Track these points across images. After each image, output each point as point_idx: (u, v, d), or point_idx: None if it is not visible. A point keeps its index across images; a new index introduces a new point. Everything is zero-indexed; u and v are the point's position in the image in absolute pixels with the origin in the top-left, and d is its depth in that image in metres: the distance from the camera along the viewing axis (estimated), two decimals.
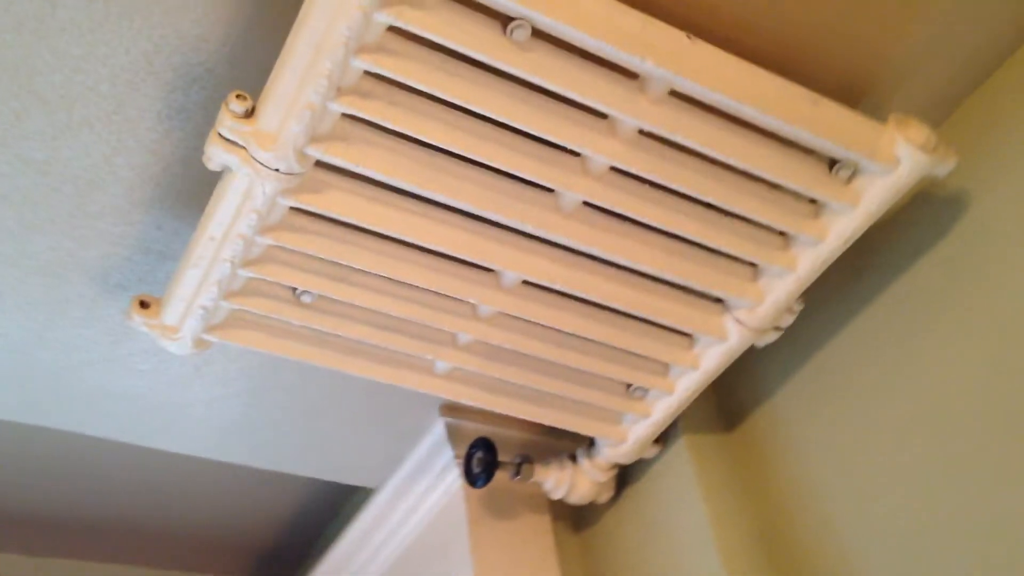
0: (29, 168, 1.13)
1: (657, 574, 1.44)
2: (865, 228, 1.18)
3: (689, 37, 1.01)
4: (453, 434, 1.58)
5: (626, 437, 1.43)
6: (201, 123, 1.13)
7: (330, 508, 2.07)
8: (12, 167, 1.12)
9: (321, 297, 1.19)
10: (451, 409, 1.57)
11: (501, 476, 1.46)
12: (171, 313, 1.16)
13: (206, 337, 1.18)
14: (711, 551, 1.32)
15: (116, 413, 1.43)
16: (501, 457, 1.45)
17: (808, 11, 1.13)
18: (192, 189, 1.19)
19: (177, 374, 1.40)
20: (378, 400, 1.53)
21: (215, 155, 1.00)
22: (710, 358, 1.32)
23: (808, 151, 1.14)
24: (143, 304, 1.17)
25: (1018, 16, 1.20)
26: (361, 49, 0.94)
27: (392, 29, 0.94)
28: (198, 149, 1.15)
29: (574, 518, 1.64)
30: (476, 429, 1.59)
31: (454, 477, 1.57)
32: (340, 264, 1.15)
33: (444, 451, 1.58)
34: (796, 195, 1.17)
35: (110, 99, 1.08)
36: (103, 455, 1.81)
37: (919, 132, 1.12)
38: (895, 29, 1.17)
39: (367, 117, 0.99)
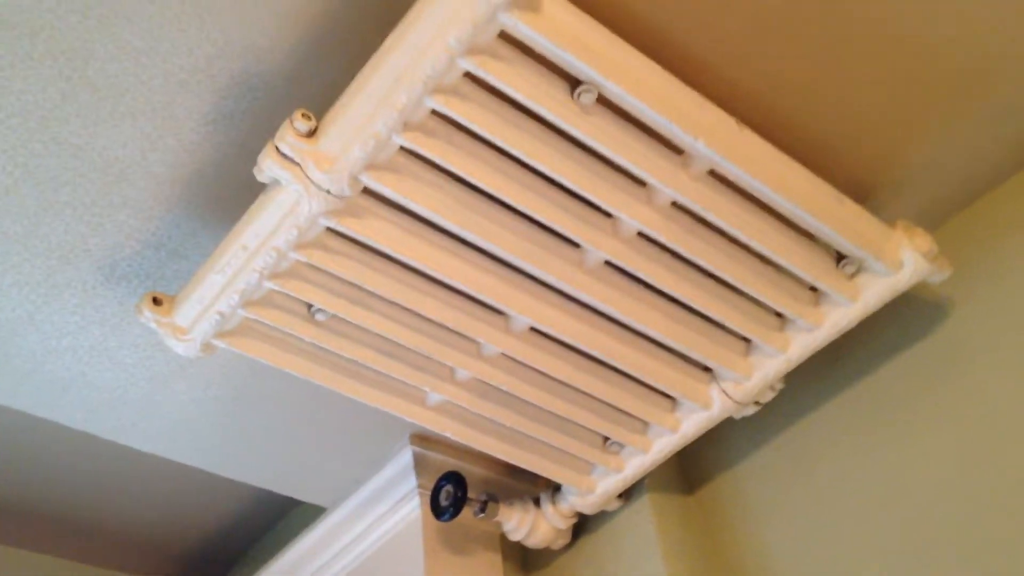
0: (62, 150, 1.11)
1: None
2: (859, 321, 1.25)
3: (739, 124, 1.07)
4: (419, 464, 1.59)
5: (594, 488, 1.47)
6: (245, 132, 1.13)
7: (264, 520, 2.05)
8: (46, 147, 1.11)
9: (334, 317, 1.20)
10: (421, 439, 1.59)
11: (464, 511, 1.48)
12: (185, 314, 1.15)
13: (215, 342, 1.18)
14: None
15: (89, 403, 1.40)
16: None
17: (836, 115, 1.21)
18: (220, 194, 1.19)
19: (161, 371, 1.38)
20: (350, 421, 1.54)
21: (269, 168, 1.01)
22: (690, 423, 1.38)
23: (819, 243, 1.21)
24: (156, 301, 1.16)
25: (1008, 150, 1.30)
26: (437, 89, 0.96)
27: (468, 75, 0.97)
28: (236, 156, 1.16)
29: (523, 559, 1.66)
30: (442, 461, 1.61)
31: (414, 506, 1.58)
32: (361, 288, 1.16)
33: (408, 479, 1.59)
34: (800, 281, 1.24)
35: (160, 95, 1.08)
36: (43, 440, 1.77)
37: (924, 241, 1.20)
38: (905, 144, 1.27)
39: (425, 154, 1.02)
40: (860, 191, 1.30)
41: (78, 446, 1.76)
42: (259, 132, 1.13)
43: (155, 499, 1.93)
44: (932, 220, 1.37)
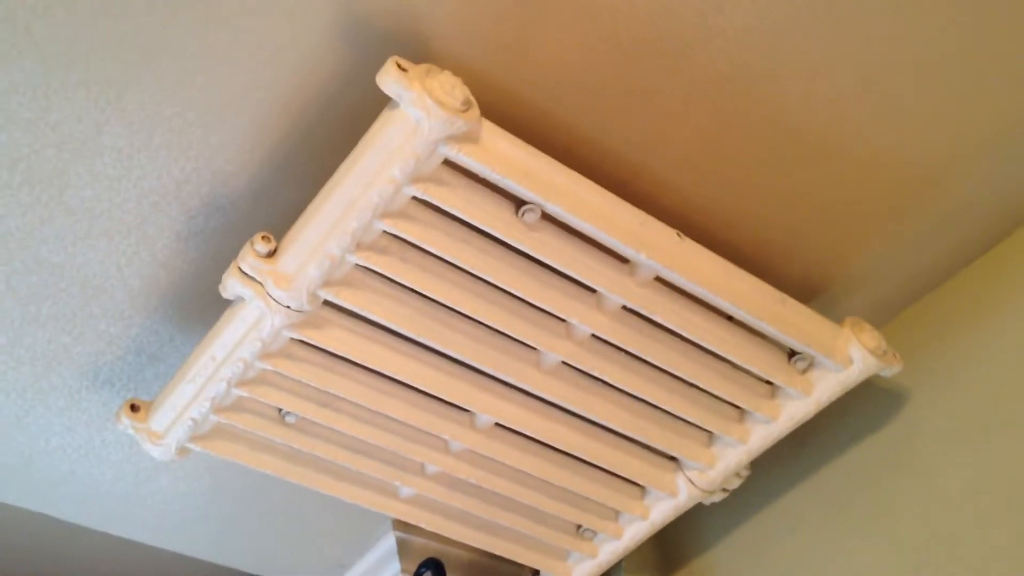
0: (42, 268, 1.18)
1: None
2: (814, 414, 1.28)
3: (679, 236, 1.11)
4: (403, 548, 1.63)
5: (570, 574, 1.50)
6: (216, 247, 1.19)
7: None
8: (26, 266, 1.17)
9: (304, 419, 1.25)
10: (403, 525, 1.62)
11: None
12: (159, 420, 1.21)
13: (189, 446, 1.23)
14: None
15: (78, 497, 1.46)
16: None
17: (784, 217, 1.26)
18: (194, 303, 1.25)
19: (146, 466, 1.43)
20: (333, 508, 1.57)
21: (232, 286, 1.07)
22: (659, 511, 1.41)
23: (771, 340, 1.24)
24: (133, 408, 1.22)
25: (950, 250, 1.35)
26: (385, 214, 1.02)
27: (415, 198, 1.03)
28: (208, 269, 1.22)
29: None
30: (425, 545, 1.64)
31: None
32: (328, 392, 1.21)
33: (392, 564, 1.63)
34: (755, 377, 1.28)
35: (134, 215, 1.15)
36: (38, 529, 1.82)
37: (872, 338, 1.24)
38: (854, 244, 1.32)
39: (379, 270, 1.07)
40: (810, 288, 1.35)
41: (69, 536, 1.81)
42: (228, 247, 1.19)
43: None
44: (884, 314, 1.41)
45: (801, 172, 1.22)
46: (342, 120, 1.10)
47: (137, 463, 1.43)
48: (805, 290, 1.34)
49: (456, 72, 0.98)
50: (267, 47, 1.02)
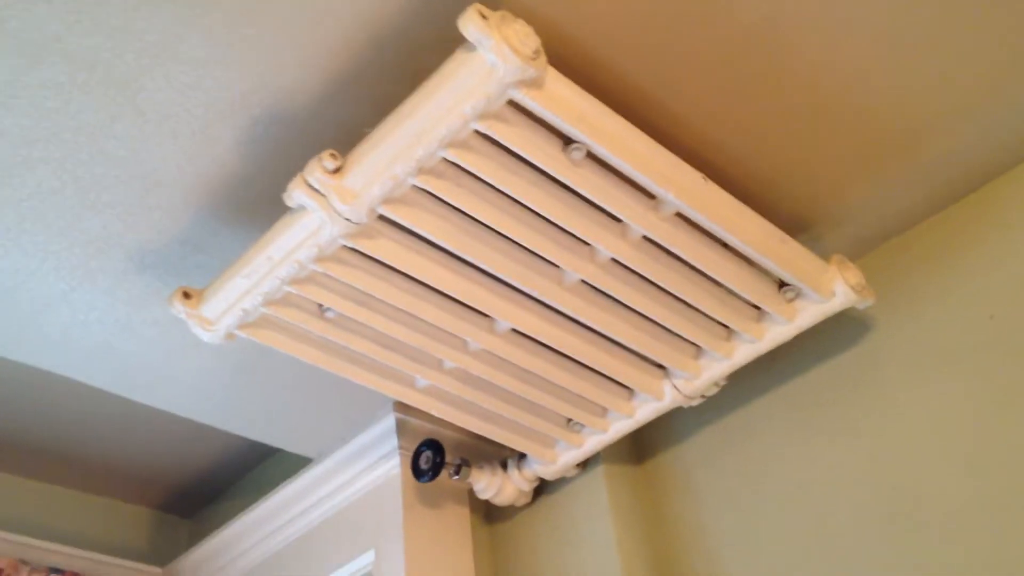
0: (108, 161, 1.25)
1: (555, 573, 1.70)
2: (793, 337, 1.45)
3: (704, 179, 1.24)
4: (401, 428, 1.78)
5: (556, 460, 1.68)
6: (272, 154, 1.28)
7: (246, 463, 2.24)
8: (92, 157, 1.24)
9: (342, 315, 1.36)
10: (403, 407, 1.77)
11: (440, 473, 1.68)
12: (212, 308, 1.31)
13: (237, 332, 1.34)
14: (615, 567, 1.58)
15: (112, 368, 1.57)
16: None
17: (785, 161, 1.40)
18: (243, 204, 1.34)
19: (177, 344, 1.54)
20: (339, 389, 1.71)
21: (297, 196, 1.16)
22: (644, 411, 1.58)
23: (765, 272, 1.39)
24: (186, 295, 1.32)
25: (924, 197, 1.50)
26: (450, 144, 1.12)
27: (477, 132, 1.12)
28: (260, 175, 1.31)
29: (487, 512, 1.87)
30: (420, 426, 1.80)
31: (394, 464, 1.77)
32: (368, 294, 1.33)
33: (390, 440, 1.78)
34: (746, 302, 1.43)
35: (200, 120, 1.22)
36: (48, 383, 1.92)
37: (854, 275, 1.39)
38: (841, 187, 1.47)
39: (434, 192, 1.18)
40: (802, 223, 1.50)
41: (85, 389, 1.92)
42: (282, 157, 1.28)
43: (151, 437, 2.10)
44: (863, 248, 1.57)
45: (805, 120, 1.34)
46: (403, 52, 1.18)
47: (168, 340, 1.54)
48: (799, 222, 1.49)
49: (524, 16, 1.07)
50: None
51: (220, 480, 2.29)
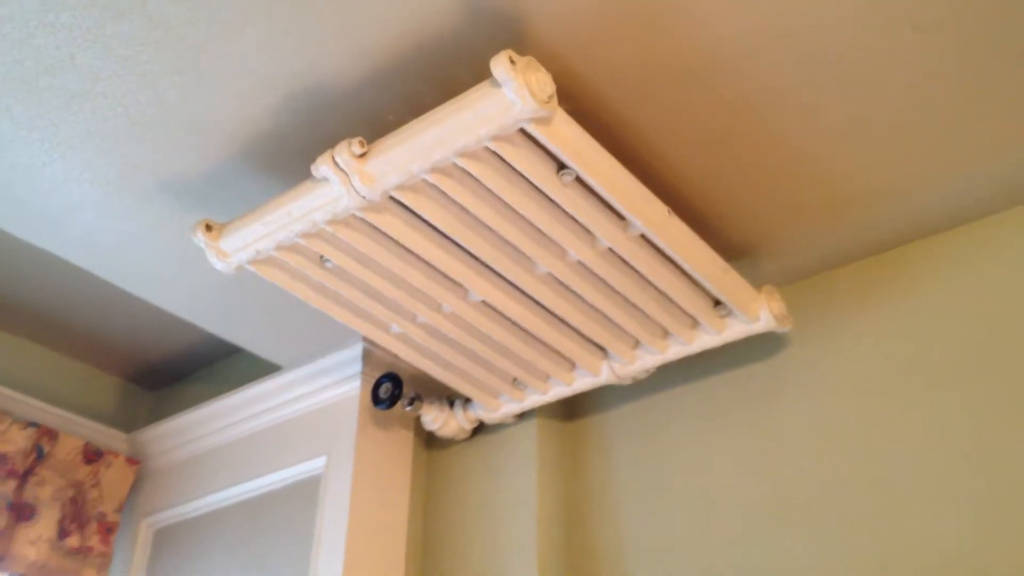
0: (161, 105, 1.42)
1: (480, 501, 1.96)
2: (719, 345, 1.69)
3: (670, 213, 1.45)
4: (366, 356, 2.00)
5: (498, 408, 1.92)
6: (303, 125, 1.46)
7: (210, 355, 2.46)
8: (148, 100, 1.41)
9: (338, 267, 1.56)
10: (369, 340, 1.98)
11: None
12: (229, 243, 1.50)
13: (246, 266, 1.54)
14: (531, 505, 1.85)
15: (124, 269, 1.78)
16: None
17: (743, 198, 1.62)
18: (270, 159, 1.52)
19: (185, 256, 1.73)
20: (322, 316, 1.91)
21: (323, 170, 1.35)
22: (581, 382, 1.82)
23: (705, 291, 1.62)
24: (208, 227, 1.51)
25: (848, 247, 1.74)
26: (462, 154, 1.31)
27: (488, 148, 1.32)
28: (290, 138, 1.49)
29: (428, 439, 2.12)
30: (382, 357, 2.02)
31: (355, 386, 2.00)
32: (364, 253, 1.53)
33: (355, 365, 2.00)
34: (685, 312, 1.66)
35: (248, 86, 1.39)
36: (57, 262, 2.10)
37: (778, 306, 1.63)
38: (780, 228, 1.69)
39: (439, 187, 1.37)
40: (746, 248, 1.74)
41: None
42: (311, 129, 1.47)
43: (134, 314, 2.28)
44: (791, 277, 1.81)
45: (768, 172, 1.56)
46: (439, 60, 1.36)
47: (179, 253, 1.73)
48: (743, 248, 1.73)
49: (548, 58, 1.27)
50: None
51: (188, 364, 2.50)
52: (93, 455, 2.30)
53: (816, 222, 1.68)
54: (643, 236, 1.50)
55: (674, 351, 1.73)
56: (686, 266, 1.53)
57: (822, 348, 1.74)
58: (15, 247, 1.96)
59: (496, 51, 1.23)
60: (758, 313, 1.64)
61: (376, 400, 1.90)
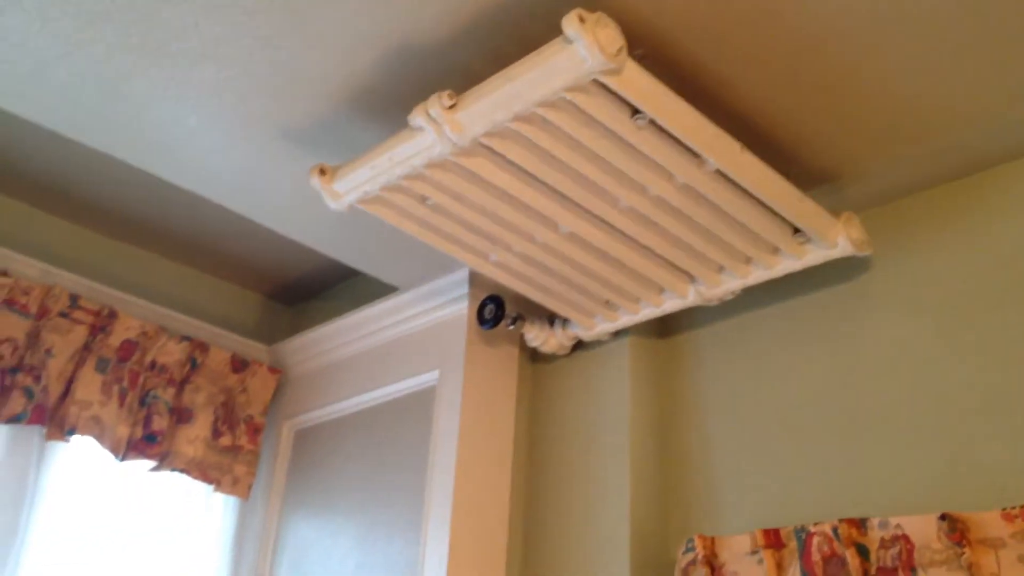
0: (273, 64, 1.59)
1: (580, 411, 2.12)
2: (799, 270, 1.78)
3: (742, 148, 1.53)
4: (473, 278, 2.17)
5: (594, 327, 2.06)
6: (399, 76, 1.60)
7: (338, 275, 2.68)
8: (263, 57, 1.58)
9: (438, 204, 1.72)
10: None
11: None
12: (341, 185, 1.67)
13: (357, 206, 1.71)
14: (625, 415, 2.00)
15: (259, 202, 1.99)
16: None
17: (822, 127, 1.67)
18: (370, 108, 1.67)
19: (308, 195, 1.92)
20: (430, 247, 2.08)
21: (417, 120, 1.49)
22: (669, 304, 1.94)
23: (784, 219, 1.70)
24: (322, 171, 1.68)
25: (927, 173, 1.77)
26: (541, 104, 1.42)
27: (564, 98, 1.43)
28: (387, 89, 1.64)
29: (532, 355, 2.28)
30: (487, 280, 2.18)
31: (463, 307, 2.18)
32: (460, 192, 1.67)
33: (463, 286, 2.18)
34: (765, 241, 1.75)
35: (350, 43, 1.54)
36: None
37: (857, 232, 1.70)
38: (868, 151, 1.73)
39: (523, 133, 1.50)
40: (826, 175, 1.79)
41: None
42: (406, 81, 1.61)
43: (272, 238, 2.50)
44: (872, 202, 1.86)
45: (843, 101, 1.61)
46: (520, 17, 1.47)
47: (301, 191, 1.92)
48: (823, 174, 1.78)
49: (617, 8, 1.36)
50: None
51: (320, 282, 2.74)
52: (240, 365, 2.57)
53: (896, 148, 1.72)
54: (718, 171, 1.58)
55: (756, 275, 1.82)
56: (762, 197, 1.61)
57: (903, 270, 1.80)
58: (165, 187, 2.19)
59: (570, 7, 1.33)
60: (836, 239, 1.71)
61: (481, 320, 2.07)
